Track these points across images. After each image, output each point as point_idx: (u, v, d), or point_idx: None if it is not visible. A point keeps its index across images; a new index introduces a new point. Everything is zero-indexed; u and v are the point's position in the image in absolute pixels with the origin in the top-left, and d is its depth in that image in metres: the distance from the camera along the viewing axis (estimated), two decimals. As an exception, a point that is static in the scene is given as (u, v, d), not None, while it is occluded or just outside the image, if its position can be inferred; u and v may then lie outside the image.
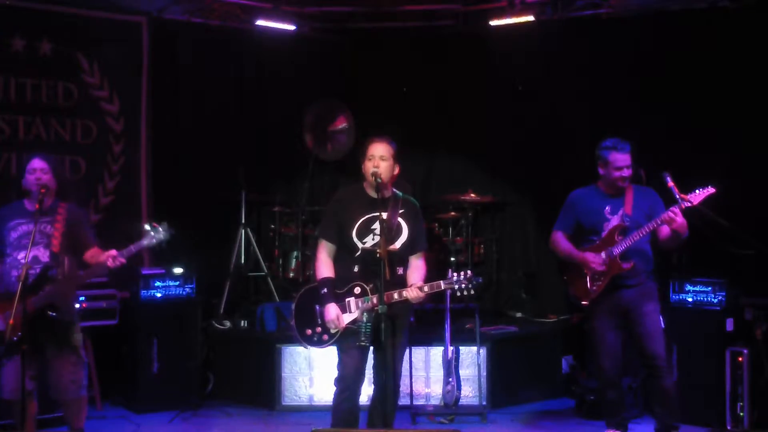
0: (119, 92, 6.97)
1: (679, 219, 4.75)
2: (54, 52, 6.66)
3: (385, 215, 4.41)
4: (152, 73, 7.10)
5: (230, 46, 7.59)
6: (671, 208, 4.77)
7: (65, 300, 4.78)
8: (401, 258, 4.58)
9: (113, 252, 4.63)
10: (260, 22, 7.38)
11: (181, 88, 7.39)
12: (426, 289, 4.41)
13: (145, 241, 4.70)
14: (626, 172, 5.05)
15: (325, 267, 4.57)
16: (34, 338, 4.56)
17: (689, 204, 4.75)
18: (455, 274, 4.42)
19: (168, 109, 7.24)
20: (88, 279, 4.91)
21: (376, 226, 4.44)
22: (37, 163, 4.77)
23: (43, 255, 4.71)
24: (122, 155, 7.01)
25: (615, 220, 5.07)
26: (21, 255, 4.65)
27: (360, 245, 4.50)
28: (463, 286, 4.37)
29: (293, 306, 4.70)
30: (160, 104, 7.18)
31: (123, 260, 4.64)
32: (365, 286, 4.45)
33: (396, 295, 4.37)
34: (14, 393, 4.57)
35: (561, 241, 5.28)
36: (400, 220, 4.56)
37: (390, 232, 4.45)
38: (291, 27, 7.54)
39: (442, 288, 4.42)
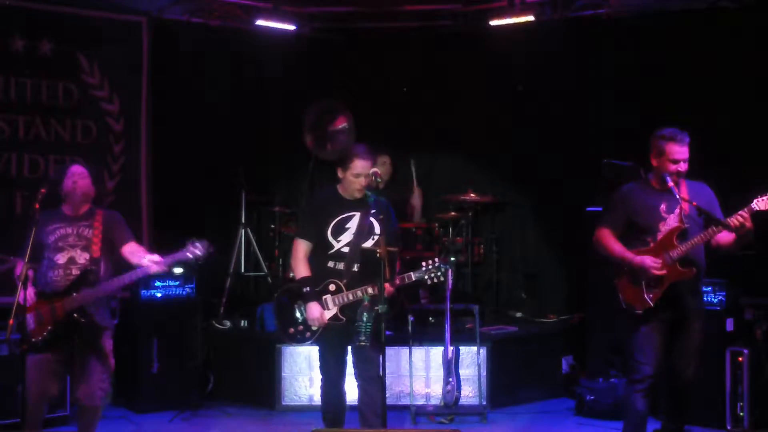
0: (119, 92, 6.98)
1: (748, 224, 4.33)
2: (54, 52, 6.67)
3: (358, 215, 4.61)
4: (152, 73, 7.11)
5: (230, 46, 7.59)
6: (740, 212, 4.36)
7: (98, 305, 4.75)
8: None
9: (157, 257, 4.64)
10: (260, 22, 7.38)
11: (181, 88, 7.39)
12: (396, 282, 4.52)
13: (182, 255, 4.66)
14: (682, 167, 4.58)
15: (302, 266, 4.73)
16: (64, 341, 4.58)
17: (759, 209, 4.34)
18: (423, 264, 4.51)
19: (168, 109, 7.24)
20: (126, 282, 4.74)
21: (350, 225, 4.64)
22: (76, 168, 4.82)
23: (80, 257, 4.72)
24: (122, 155, 7.02)
25: (672, 221, 4.61)
26: (58, 256, 4.69)
27: (335, 243, 4.65)
28: (432, 275, 4.47)
29: (273, 307, 4.84)
30: (160, 104, 7.19)
31: (164, 267, 4.64)
32: (339, 282, 4.61)
33: (360, 292, 4.51)
34: (36, 396, 4.54)
35: (611, 240, 4.72)
36: (372, 219, 4.67)
37: (363, 231, 4.62)
38: (291, 27, 7.54)
39: (414, 279, 4.53)
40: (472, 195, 7.25)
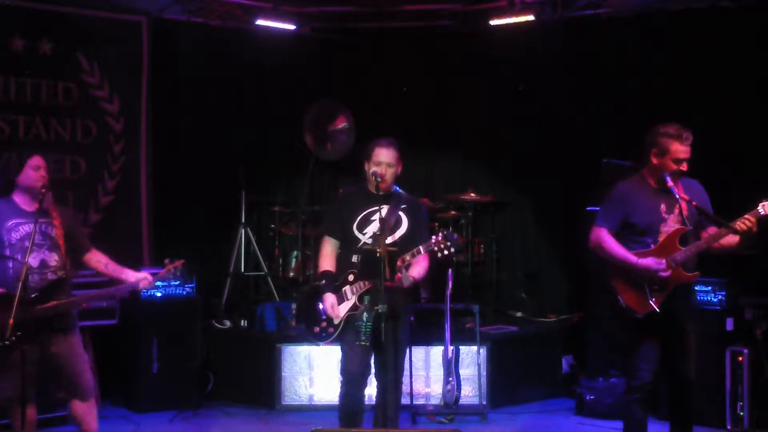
0: (119, 92, 6.96)
1: (755, 229, 4.23)
2: (54, 52, 6.65)
3: (385, 209, 4.51)
4: (152, 73, 7.10)
5: (230, 46, 7.58)
6: (746, 216, 4.26)
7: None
8: (401, 251, 4.57)
9: (145, 274, 4.65)
10: (260, 22, 7.38)
11: (181, 88, 7.39)
12: (407, 258, 4.42)
13: (161, 275, 4.73)
14: (684, 166, 4.44)
15: (326, 261, 4.72)
16: (36, 342, 4.44)
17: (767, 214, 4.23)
18: (433, 237, 4.41)
19: (168, 109, 7.23)
20: (111, 295, 4.79)
21: (376, 217, 4.52)
22: (38, 161, 4.63)
23: (50, 258, 4.56)
24: (122, 155, 7.00)
25: (672, 222, 4.48)
26: (29, 259, 4.43)
27: (360, 236, 4.62)
28: (442, 246, 4.36)
29: (298, 307, 4.80)
30: (160, 104, 7.18)
31: (153, 284, 4.72)
32: (358, 273, 4.56)
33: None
34: (8, 399, 4.44)
35: (610, 241, 4.53)
36: (401, 213, 4.65)
37: (389, 224, 4.56)
38: (291, 27, 7.54)
39: (422, 252, 4.43)
40: (472, 195, 7.25)
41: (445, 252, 4.38)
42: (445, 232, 4.41)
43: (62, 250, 4.56)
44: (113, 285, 4.80)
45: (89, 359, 4.78)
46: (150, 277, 4.68)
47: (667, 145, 4.45)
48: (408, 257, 4.45)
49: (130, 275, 4.70)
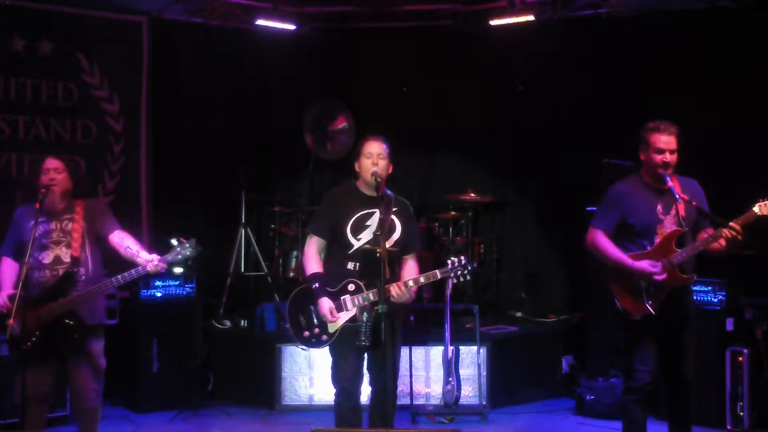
0: (119, 92, 6.97)
1: (740, 237, 4.24)
2: (54, 52, 6.66)
3: (379, 212, 4.35)
4: (152, 73, 7.10)
5: (230, 46, 7.59)
6: (732, 223, 4.27)
7: (90, 303, 4.60)
8: (395, 255, 4.52)
9: (154, 256, 4.49)
10: (260, 22, 7.39)
11: (181, 88, 7.39)
12: (422, 280, 4.36)
13: (171, 257, 4.51)
14: (668, 157, 4.39)
15: (313, 262, 4.52)
16: (53, 345, 4.47)
17: (763, 214, 4.25)
18: (450, 262, 4.34)
19: (168, 109, 7.24)
20: (121, 282, 4.56)
21: (371, 222, 4.43)
22: (51, 163, 4.63)
23: (66, 255, 4.57)
24: (122, 155, 7.01)
25: (670, 222, 4.45)
26: (43, 255, 4.54)
27: (354, 242, 4.46)
28: (459, 273, 4.30)
29: (287, 309, 4.63)
30: (160, 104, 7.18)
31: (162, 267, 4.49)
32: (359, 282, 4.41)
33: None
34: (32, 400, 4.44)
35: (606, 243, 4.51)
36: (393, 218, 4.52)
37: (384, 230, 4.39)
38: (291, 27, 7.55)
39: (439, 277, 4.35)
40: (472, 195, 7.25)
41: (461, 279, 4.33)
42: (463, 261, 4.31)
43: (75, 247, 4.57)
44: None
45: (99, 367, 4.73)
46: (156, 260, 4.46)
47: (647, 138, 4.48)
48: (422, 279, 4.37)
49: (141, 258, 4.52)
